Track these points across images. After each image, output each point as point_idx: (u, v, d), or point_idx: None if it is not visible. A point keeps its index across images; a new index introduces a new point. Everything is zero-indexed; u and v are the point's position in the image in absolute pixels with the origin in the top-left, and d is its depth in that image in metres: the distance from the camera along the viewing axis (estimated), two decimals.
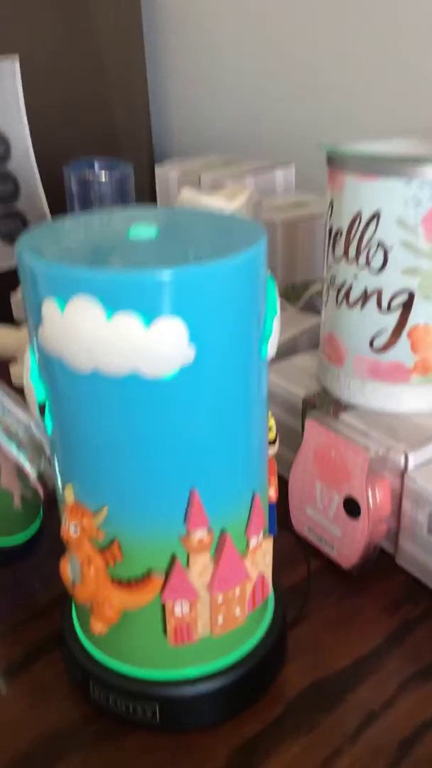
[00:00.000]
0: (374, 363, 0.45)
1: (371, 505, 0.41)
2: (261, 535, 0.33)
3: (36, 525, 0.44)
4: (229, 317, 0.28)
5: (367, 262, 0.43)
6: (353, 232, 0.43)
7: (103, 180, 0.72)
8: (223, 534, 0.31)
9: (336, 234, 0.45)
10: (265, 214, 0.71)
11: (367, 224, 0.42)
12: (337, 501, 0.43)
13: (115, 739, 0.34)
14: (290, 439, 0.50)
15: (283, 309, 0.68)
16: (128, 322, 0.26)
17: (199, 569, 0.31)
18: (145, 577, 0.31)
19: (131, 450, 0.29)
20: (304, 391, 0.50)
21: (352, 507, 0.42)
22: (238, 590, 0.33)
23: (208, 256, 0.27)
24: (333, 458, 0.43)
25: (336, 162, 0.43)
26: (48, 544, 0.43)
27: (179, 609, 0.32)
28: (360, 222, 0.42)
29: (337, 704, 0.36)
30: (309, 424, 0.45)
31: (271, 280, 0.31)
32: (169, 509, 0.30)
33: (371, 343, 0.45)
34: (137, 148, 1.10)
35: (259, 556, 0.33)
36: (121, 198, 0.74)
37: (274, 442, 0.36)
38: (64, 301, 0.27)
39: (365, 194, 0.41)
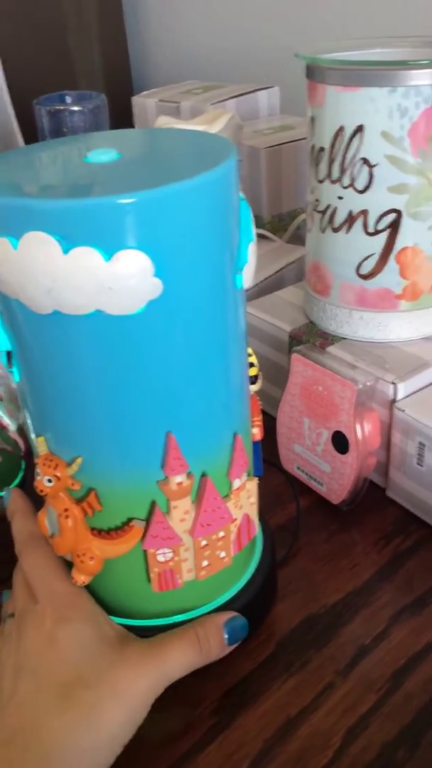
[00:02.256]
0: (361, 290, 0.43)
1: (360, 438, 0.40)
2: (244, 476, 0.32)
3: (18, 478, 0.43)
4: (197, 245, 0.26)
5: (352, 182, 0.40)
6: (336, 149, 0.40)
7: (76, 110, 0.68)
8: (203, 477, 0.30)
9: (318, 153, 0.42)
10: (248, 140, 0.67)
11: (351, 140, 0.39)
12: (326, 436, 0.42)
13: None
14: (279, 376, 0.48)
15: (270, 241, 0.66)
16: (87, 256, 0.24)
17: (180, 514, 0.30)
18: (126, 525, 0.30)
19: (101, 394, 0.27)
20: (291, 326, 0.48)
21: (340, 442, 0.41)
22: (222, 533, 0.31)
23: (170, 178, 0.25)
24: (320, 393, 0.41)
25: (315, 73, 0.40)
26: (32, 495, 0.42)
27: (162, 555, 0.31)
28: (343, 138, 0.39)
29: (328, 640, 0.35)
30: (294, 359, 0.43)
31: (244, 204, 0.29)
32: (146, 455, 0.29)
33: (358, 270, 0.42)
34: (116, 80, 1.05)
35: (243, 498, 0.32)
36: (95, 130, 0.70)
37: (255, 380, 0.34)
38: (16, 237, 0.24)
39: (347, 106, 0.38)
